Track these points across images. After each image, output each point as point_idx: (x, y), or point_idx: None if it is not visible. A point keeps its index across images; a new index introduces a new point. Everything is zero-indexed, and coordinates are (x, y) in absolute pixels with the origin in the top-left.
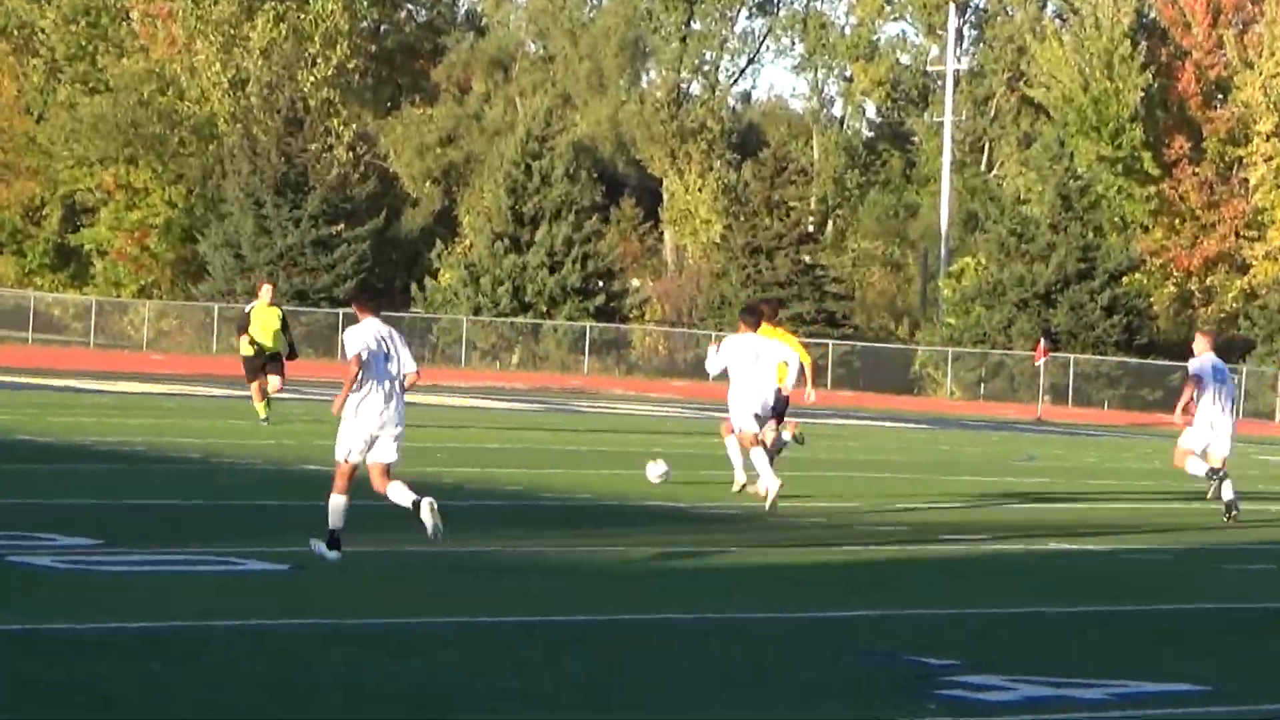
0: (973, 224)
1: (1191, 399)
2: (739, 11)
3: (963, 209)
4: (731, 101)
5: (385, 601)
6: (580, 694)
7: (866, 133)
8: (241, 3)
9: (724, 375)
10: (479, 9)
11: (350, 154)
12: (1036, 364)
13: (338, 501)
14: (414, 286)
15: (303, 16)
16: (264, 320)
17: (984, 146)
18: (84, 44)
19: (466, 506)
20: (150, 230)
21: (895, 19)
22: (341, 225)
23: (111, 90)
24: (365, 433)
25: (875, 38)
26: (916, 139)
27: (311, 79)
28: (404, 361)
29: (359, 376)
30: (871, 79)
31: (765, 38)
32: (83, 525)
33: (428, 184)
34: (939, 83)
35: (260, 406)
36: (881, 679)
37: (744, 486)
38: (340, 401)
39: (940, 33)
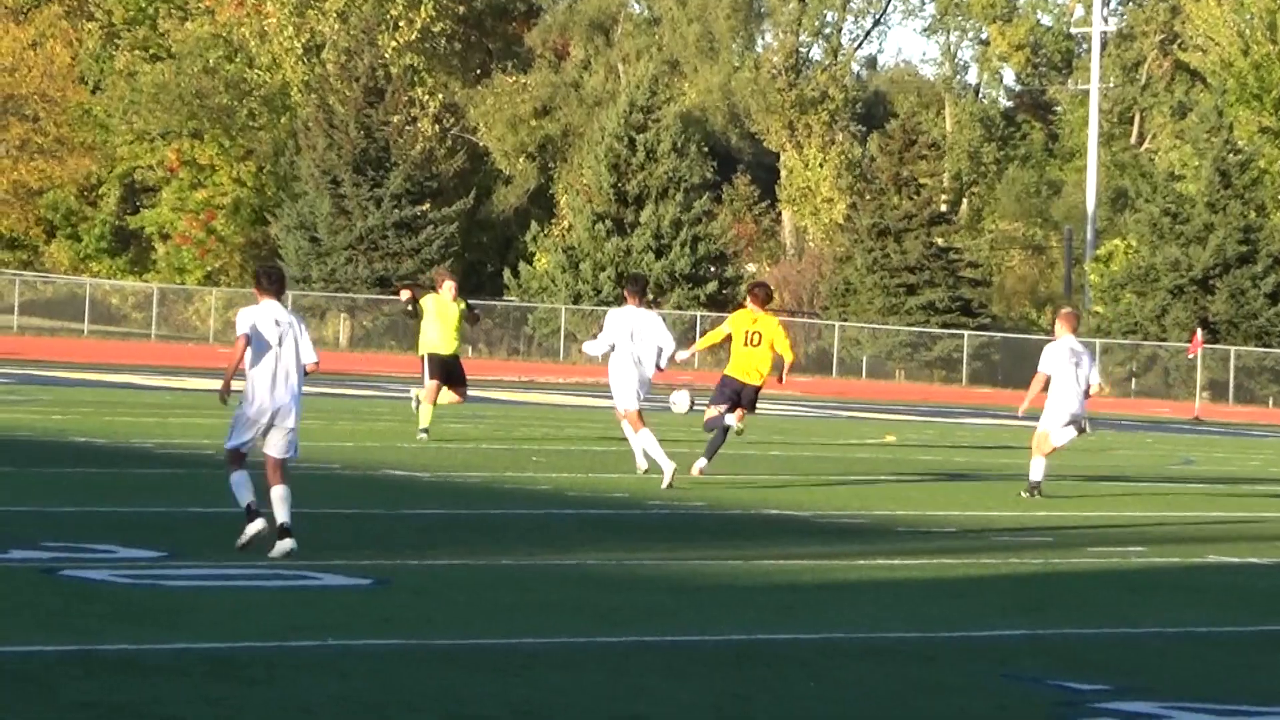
0: (1122, 203)
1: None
2: None
3: (1111, 186)
4: (855, 67)
5: (479, 617)
6: None
7: (1004, 102)
8: None
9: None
10: None
11: (436, 127)
12: (1191, 356)
13: (239, 477)
14: (507, 272)
15: None
16: (446, 318)
17: (1134, 117)
18: (144, 6)
19: (567, 515)
20: (217, 211)
21: None
22: (427, 205)
23: (174, 57)
24: (256, 422)
25: None
26: (1059, 109)
27: (394, 44)
28: (302, 350)
29: (245, 361)
30: (1010, 42)
31: None
32: (144, 535)
33: (521, 160)
34: (1084, 46)
35: (429, 414)
36: (1024, 705)
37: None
38: (223, 386)
39: None
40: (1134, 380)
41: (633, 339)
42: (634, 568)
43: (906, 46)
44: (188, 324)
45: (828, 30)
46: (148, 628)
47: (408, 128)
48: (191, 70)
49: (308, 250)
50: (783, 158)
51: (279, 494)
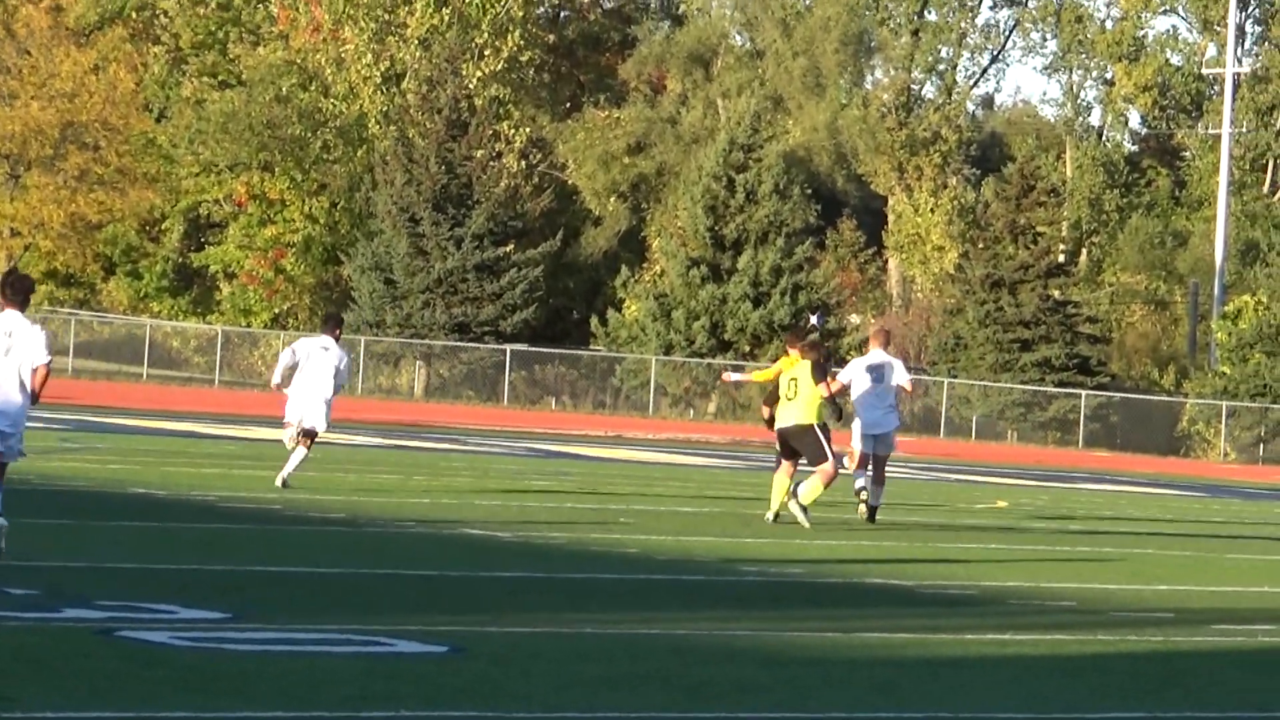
0: (1252, 255)
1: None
2: (981, 1)
3: (1241, 238)
4: (971, 107)
5: (562, 689)
6: None
7: (1129, 146)
8: None
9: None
10: None
11: (522, 163)
12: None
13: None
14: (594, 320)
15: (469, 0)
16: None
17: (1267, 164)
18: (213, 30)
19: (656, 580)
20: (286, 249)
21: (1165, 11)
22: (510, 247)
23: (244, 84)
24: None
25: (1141, 34)
26: (1188, 154)
27: (478, 74)
28: (33, 354)
29: None
30: (1136, 83)
31: (1011, 32)
32: (207, 595)
33: (612, 200)
34: (1215, 88)
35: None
36: None
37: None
38: None
39: (1218, 29)
40: (1263, 446)
41: (311, 360)
42: (727, 638)
43: (1025, 85)
44: (253, 369)
45: (942, 67)
46: (211, 695)
47: (492, 163)
48: (263, 99)
49: (382, 293)
50: (891, 202)
51: None
